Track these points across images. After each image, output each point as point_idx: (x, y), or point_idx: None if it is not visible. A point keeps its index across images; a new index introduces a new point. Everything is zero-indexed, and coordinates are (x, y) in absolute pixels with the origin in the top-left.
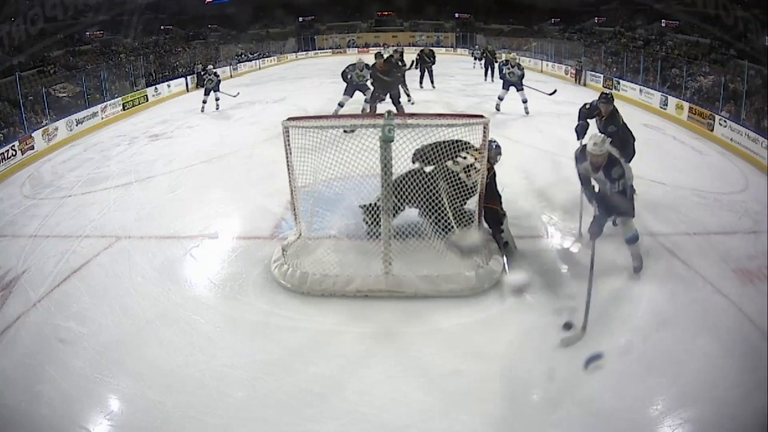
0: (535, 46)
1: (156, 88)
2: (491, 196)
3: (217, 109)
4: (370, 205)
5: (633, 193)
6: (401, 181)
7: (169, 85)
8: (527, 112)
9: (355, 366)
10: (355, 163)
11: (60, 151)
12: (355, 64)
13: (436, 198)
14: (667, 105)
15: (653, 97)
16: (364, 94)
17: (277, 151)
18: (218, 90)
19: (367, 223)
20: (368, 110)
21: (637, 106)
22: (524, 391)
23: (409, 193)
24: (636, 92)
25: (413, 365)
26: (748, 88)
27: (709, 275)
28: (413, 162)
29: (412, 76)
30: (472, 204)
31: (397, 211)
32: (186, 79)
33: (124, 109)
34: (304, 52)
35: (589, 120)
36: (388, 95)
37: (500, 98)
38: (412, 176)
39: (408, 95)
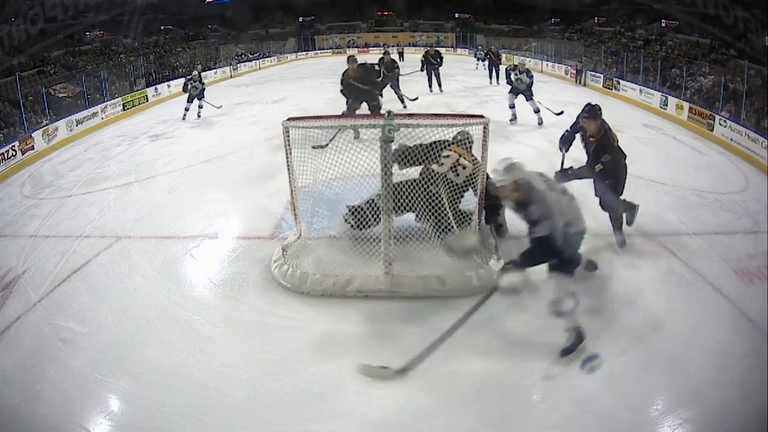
0: (535, 46)
1: (156, 88)
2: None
3: (198, 117)
4: (358, 207)
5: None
6: (399, 189)
7: (169, 85)
8: (540, 123)
9: (355, 366)
10: (355, 164)
11: (60, 151)
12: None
13: (435, 202)
14: (667, 105)
15: (653, 97)
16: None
17: (277, 151)
18: (202, 98)
19: (349, 223)
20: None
21: (637, 106)
22: (524, 391)
23: (407, 200)
24: (636, 92)
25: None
26: (748, 88)
27: (709, 275)
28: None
29: (409, 80)
30: (471, 204)
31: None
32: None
33: (124, 109)
34: (304, 53)
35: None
36: (365, 105)
37: (511, 107)
38: (410, 185)
39: (402, 101)
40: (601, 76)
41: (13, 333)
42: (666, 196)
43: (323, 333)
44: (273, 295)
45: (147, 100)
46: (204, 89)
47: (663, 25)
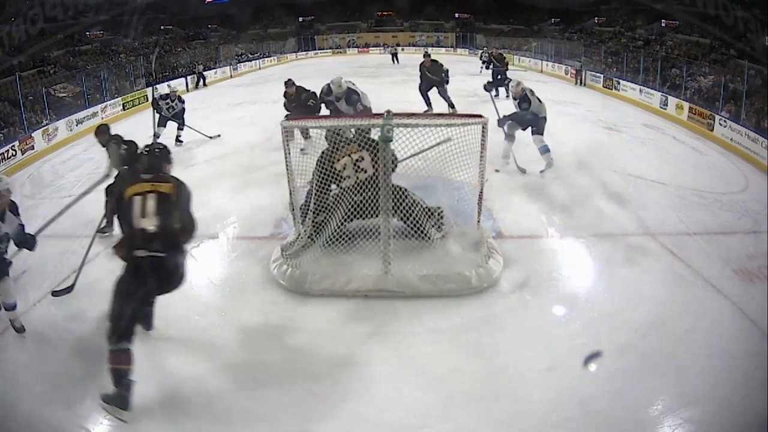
0: (535, 46)
1: (156, 88)
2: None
3: (177, 143)
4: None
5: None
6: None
7: (169, 85)
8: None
9: (355, 366)
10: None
11: (60, 151)
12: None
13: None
14: (667, 105)
15: (653, 97)
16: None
17: (276, 151)
18: (182, 120)
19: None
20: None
21: (637, 106)
22: (524, 391)
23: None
24: (636, 92)
25: (413, 365)
26: (748, 88)
27: (709, 275)
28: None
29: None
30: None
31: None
32: (186, 79)
33: (124, 109)
34: (304, 52)
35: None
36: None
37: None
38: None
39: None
40: (601, 76)
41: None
42: (666, 196)
43: (323, 333)
44: (273, 295)
45: (147, 100)
46: (184, 109)
47: (663, 25)
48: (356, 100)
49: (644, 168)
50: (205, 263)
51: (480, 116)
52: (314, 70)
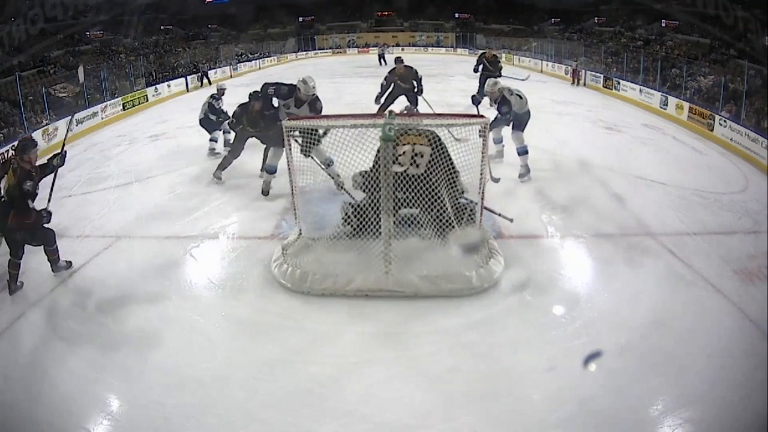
0: (535, 46)
1: (156, 88)
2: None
3: (211, 154)
4: (358, 205)
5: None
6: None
7: (169, 85)
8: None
9: (355, 366)
10: (356, 163)
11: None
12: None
13: (435, 199)
14: (667, 105)
15: (653, 97)
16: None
17: None
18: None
19: (349, 224)
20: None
21: (637, 106)
22: (524, 391)
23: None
24: (636, 92)
25: (413, 365)
26: (748, 88)
27: (709, 275)
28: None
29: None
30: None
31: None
32: (186, 79)
33: (124, 109)
34: (304, 52)
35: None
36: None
37: (496, 141)
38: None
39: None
40: (601, 76)
41: (13, 333)
42: (666, 196)
43: (323, 333)
44: (273, 294)
45: (147, 100)
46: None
47: (663, 25)
48: (320, 108)
49: (644, 168)
50: (205, 263)
51: (481, 116)
52: (314, 70)
